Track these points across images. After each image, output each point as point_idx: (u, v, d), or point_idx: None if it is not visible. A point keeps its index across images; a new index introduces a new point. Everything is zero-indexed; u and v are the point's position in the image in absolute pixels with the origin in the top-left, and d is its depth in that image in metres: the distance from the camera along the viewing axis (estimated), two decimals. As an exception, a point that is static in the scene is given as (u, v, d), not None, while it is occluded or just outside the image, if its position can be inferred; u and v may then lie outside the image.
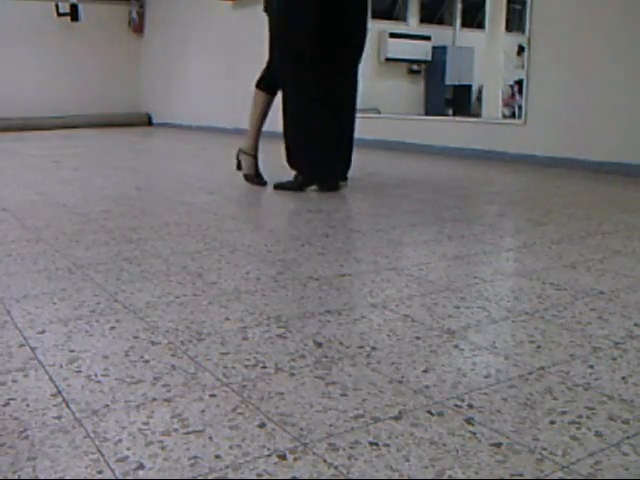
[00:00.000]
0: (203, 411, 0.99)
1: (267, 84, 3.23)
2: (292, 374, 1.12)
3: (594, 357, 1.20)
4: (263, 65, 3.31)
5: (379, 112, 5.95)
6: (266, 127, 3.36)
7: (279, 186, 3.15)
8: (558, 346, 1.25)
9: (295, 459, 0.86)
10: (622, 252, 1.98)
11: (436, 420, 0.97)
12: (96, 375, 1.12)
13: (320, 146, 3.08)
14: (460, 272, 1.77)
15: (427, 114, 7.07)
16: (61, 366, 1.16)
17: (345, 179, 3.25)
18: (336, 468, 0.84)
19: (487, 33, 6.93)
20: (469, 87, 7.57)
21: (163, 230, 2.29)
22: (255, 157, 3.32)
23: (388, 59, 7.09)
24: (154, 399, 1.03)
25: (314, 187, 3.13)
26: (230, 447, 0.89)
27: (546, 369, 1.15)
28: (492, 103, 6.69)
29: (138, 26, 8.97)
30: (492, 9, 6.84)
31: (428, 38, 7.39)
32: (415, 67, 7.48)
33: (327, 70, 3.03)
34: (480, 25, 7.35)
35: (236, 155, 3.41)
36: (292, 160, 3.12)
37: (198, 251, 2.00)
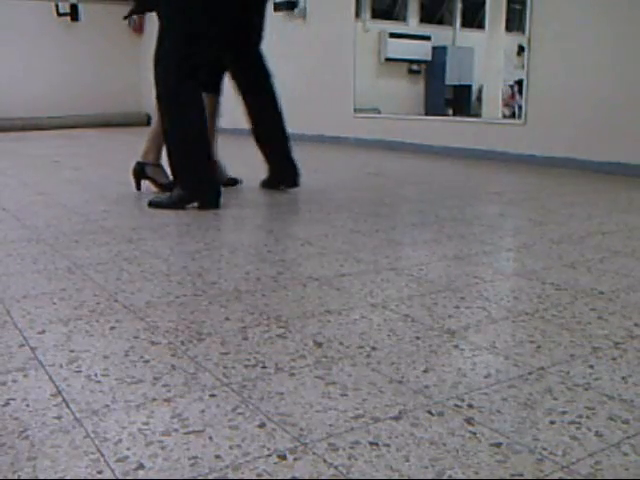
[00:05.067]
0: (203, 411, 0.99)
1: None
2: (292, 374, 1.12)
3: (594, 357, 1.20)
4: None
5: (379, 112, 5.95)
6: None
7: (155, 204, 2.73)
8: (558, 346, 1.25)
9: (295, 459, 0.86)
10: (622, 252, 1.98)
11: (436, 420, 0.97)
12: (96, 375, 1.12)
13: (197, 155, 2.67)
14: (460, 272, 1.77)
15: (427, 114, 7.05)
16: (61, 366, 1.16)
17: (295, 184, 3.16)
18: (336, 468, 0.84)
19: (487, 33, 6.93)
20: (469, 87, 7.56)
21: (163, 230, 2.29)
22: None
23: (388, 59, 7.09)
24: (154, 399, 1.03)
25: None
26: (230, 447, 0.89)
27: (546, 369, 1.15)
28: (492, 103, 6.68)
29: (138, 26, 8.96)
30: (492, 9, 6.84)
31: (428, 38, 7.39)
32: (415, 67, 7.48)
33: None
34: (480, 25, 7.35)
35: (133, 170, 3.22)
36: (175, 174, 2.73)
37: (198, 251, 2.00)
